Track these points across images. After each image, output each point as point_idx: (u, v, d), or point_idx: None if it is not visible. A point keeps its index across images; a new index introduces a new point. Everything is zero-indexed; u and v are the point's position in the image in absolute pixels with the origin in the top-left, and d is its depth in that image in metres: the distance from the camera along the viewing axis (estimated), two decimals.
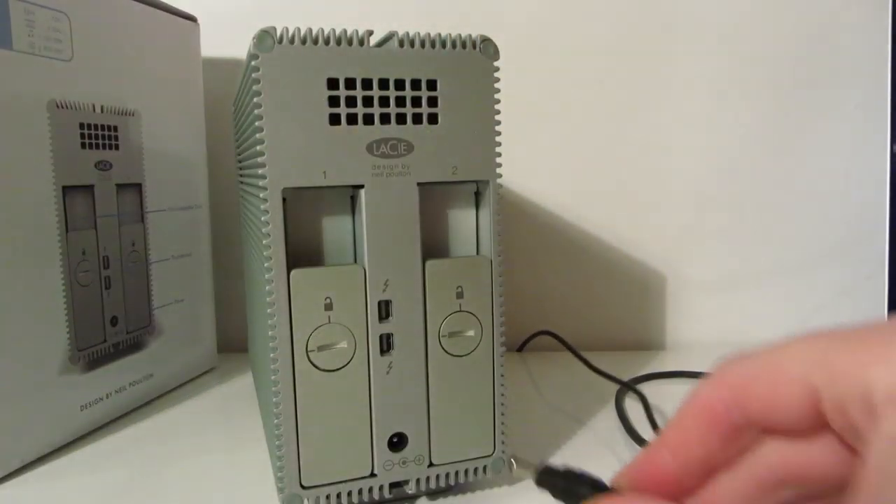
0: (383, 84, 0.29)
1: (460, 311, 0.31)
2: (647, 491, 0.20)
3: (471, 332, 0.31)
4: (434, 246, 0.32)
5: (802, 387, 0.17)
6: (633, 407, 0.44)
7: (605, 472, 0.20)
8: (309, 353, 0.29)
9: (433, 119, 0.30)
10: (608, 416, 0.43)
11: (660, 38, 0.58)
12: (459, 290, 0.31)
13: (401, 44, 0.29)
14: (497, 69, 0.30)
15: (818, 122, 0.59)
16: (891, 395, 0.15)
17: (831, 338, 0.17)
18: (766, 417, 0.18)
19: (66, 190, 0.39)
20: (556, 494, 0.23)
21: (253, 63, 0.27)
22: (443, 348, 0.31)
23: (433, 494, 0.33)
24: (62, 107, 0.39)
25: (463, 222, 0.32)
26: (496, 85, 0.30)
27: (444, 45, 0.29)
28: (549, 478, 0.24)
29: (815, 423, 0.17)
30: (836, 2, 0.58)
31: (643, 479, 0.20)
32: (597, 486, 0.21)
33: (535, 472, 0.24)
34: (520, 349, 0.59)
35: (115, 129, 0.42)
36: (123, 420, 0.44)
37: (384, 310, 0.30)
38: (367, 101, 0.29)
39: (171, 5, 0.47)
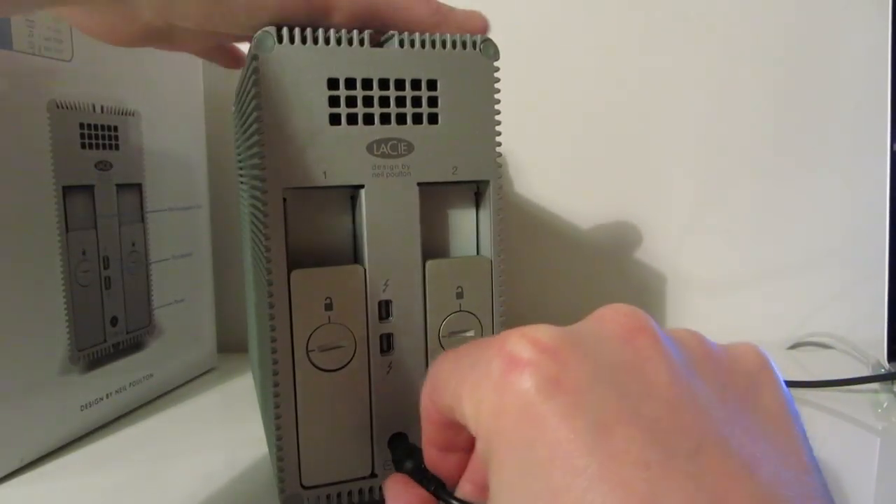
0: (383, 84, 0.29)
1: (460, 311, 0.31)
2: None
3: (471, 333, 0.31)
4: (434, 246, 0.32)
5: (449, 401, 0.19)
6: None
7: None
8: (309, 353, 0.29)
9: (433, 119, 0.30)
10: None
11: (660, 38, 0.58)
12: (459, 290, 0.31)
13: (401, 44, 0.29)
14: (497, 69, 0.30)
15: (818, 123, 0.59)
16: (477, 427, 0.17)
17: (459, 358, 0.19)
18: (447, 417, 0.20)
19: (66, 190, 0.39)
20: (394, 459, 0.28)
21: (253, 63, 0.27)
22: (443, 348, 0.31)
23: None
24: (62, 107, 0.39)
25: (463, 222, 0.32)
26: (496, 85, 0.30)
27: (444, 45, 0.29)
28: (397, 444, 0.29)
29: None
30: (836, 2, 0.58)
31: (430, 465, 0.23)
32: (416, 468, 0.25)
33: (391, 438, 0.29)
34: None
35: (115, 129, 0.42)
36: (123, 420, 0.44)
37: (384, 310, 0.30)
38: (368, 101, 0.29)
39: None
